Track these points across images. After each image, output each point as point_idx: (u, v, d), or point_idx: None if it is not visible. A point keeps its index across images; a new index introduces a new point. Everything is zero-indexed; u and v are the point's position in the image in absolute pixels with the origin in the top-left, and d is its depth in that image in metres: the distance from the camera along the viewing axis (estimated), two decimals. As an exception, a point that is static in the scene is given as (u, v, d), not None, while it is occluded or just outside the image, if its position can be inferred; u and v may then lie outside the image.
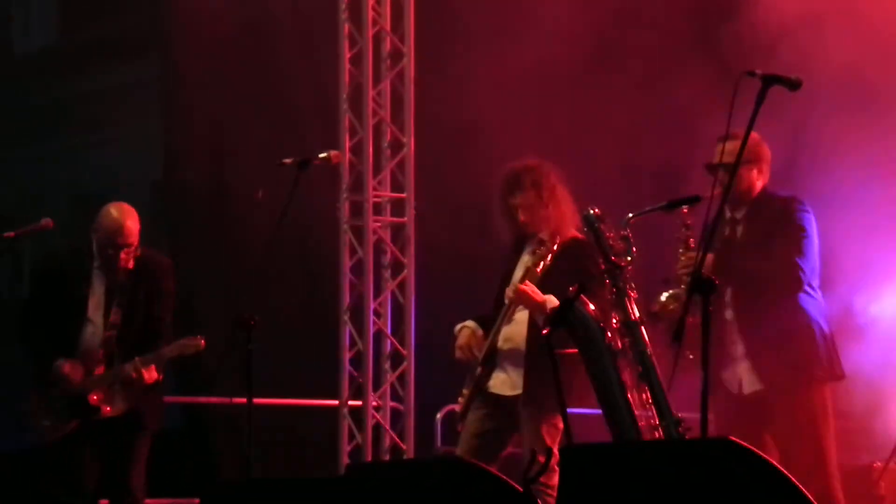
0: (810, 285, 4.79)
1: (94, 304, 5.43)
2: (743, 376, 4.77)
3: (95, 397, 5.36)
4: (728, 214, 4.84)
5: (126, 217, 5.38)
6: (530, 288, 4.94)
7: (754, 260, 4.75)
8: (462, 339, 5.13)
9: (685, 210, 4.67)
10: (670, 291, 4.75)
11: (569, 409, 4.19)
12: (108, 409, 5.36)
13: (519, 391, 4.99)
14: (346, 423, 6.97)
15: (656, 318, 4.66)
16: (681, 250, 4.76)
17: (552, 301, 4.89)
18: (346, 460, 6.89)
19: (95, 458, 5.41)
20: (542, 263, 4.97)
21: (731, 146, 4.65)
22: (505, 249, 5.23)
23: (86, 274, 5.42)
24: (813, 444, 4.69)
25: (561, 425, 4.80)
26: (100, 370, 5.39)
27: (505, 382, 5.04)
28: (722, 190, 4.48)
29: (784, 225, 4.78)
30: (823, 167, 5.92)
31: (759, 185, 4.88)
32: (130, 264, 5.40)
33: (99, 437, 5.40)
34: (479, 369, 5.08)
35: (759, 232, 4.80)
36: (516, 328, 5.06)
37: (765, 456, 3.13)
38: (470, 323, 5.17)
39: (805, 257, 4.76)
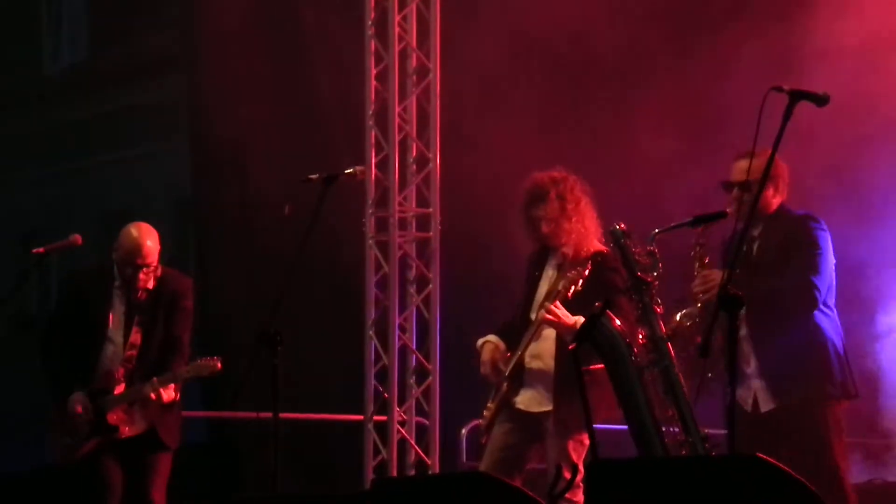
0: (825, 303, 4.77)
1: (115, 323, 5.46)
2: (758, 394, 4.75)
3: (115, 417, 5.39)
4: (746, 232, 4.83)
5: (146, 237, 5.41)
6: (561, 311, 4.94)
7: (769, 278, 4.73)
8: (486, 355, 5.13)
9: (699, 228, 4.67)
10: (684, 311, 4.73)
11: (595, 425, 4.19)
12: (127, 428, 5.39)
13: (547, 408, 4.99)
14: (372, 437, 6.98)
15: (671, 338, 4.64)
16: (697, 267, 4.74)
17: (580, 322, 4.89)
18: (371, 475, 6.89)
19: (117, 477, 5.44)
20: (573, 287, 4.95)
21: (745, 164, 4.67)
22: (527, 260, 5.23)
23: (107, 293, 5.46)
24: (827, 463, 4.66)
25: (587, 442, 4.79)
26: (119, 389, 5.42)
27: (533, 399, 5.04)
28: (736, 208, 4.48)
29: (799, 243, 4.76)
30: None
31: (775, 202, 4.86)
32: (151, 284, 5.42)
33: (119, 455, 5.43)
34: (504, 385, 5.08)
35: (774, 249, 4.79)
36: (544, 345, 5.05)
37: (792, 473, 3.12)
38: (492, 338, 5.16)
39: (820, 275, 4.74)
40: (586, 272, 4.93)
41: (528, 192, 5.13)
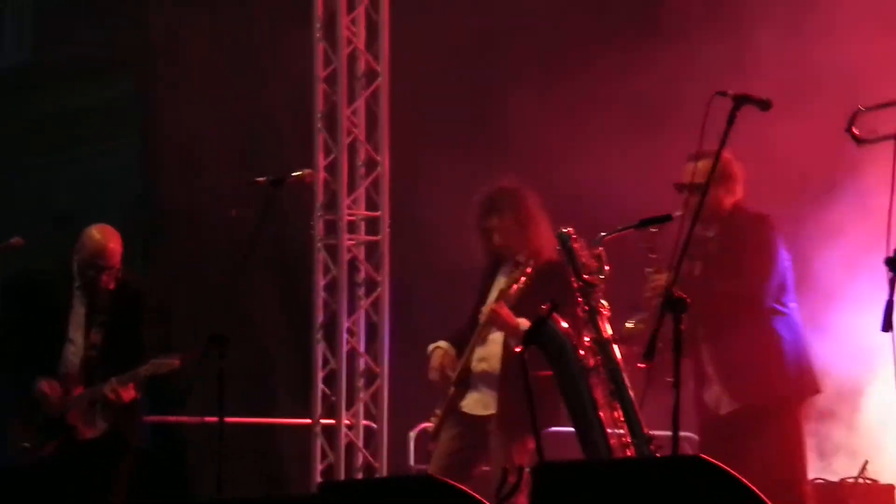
0: (780, 302, 4.81)
1: (75, 324, 5.44)
2: (718, 396, 4.79)
3: (74, 418, 5.34)
4: (699, 233, 4.87)
5: (109, 239, 5.40)
6: (504, 311, 4.95)
7: (721, 281, 4.77)
8: (435, 361, 5.14)
9: (653, 231, 4.70)
10: (638, 316, 4.77)
11: (541, 428, 4.20)
12: (88, 429, 5.35)
13: (491, 411, 5.00)
14: (319, 441, 6.95)
15: (625, 342, 4.66)
16: (647, 271, 4.78)
17: (525, 325, 4.91)
18: (318, 479, 6.87)
19: (77, 478, 5.38)
20: (515, 285, 4.98)
21: (700, 165, 4.70)
22: (480, 268, 5.24)
23: (66, 295, 5.42)
24: (788, 462, 4.71)
25: (531, 446, 4.81)
26: (79, 391, 5.38)
27: (478, 402, 5.05)
28: (687, 209, 4.52)
29: (751, 243, 4.80)
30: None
31: (728, 203, 4.89)
32: (112, 285, 5.40)
33: (80, 457, 5.39)
34: (452, 389, 5.09)
35: (728, 250, 4.82)
36: (491, 349, 5.06)
37: (734, 473, 3.14)
38: (442, 343, 5.17)
39: (768, 278, 4.79)
40: (528, 269, 4.95)
41: (480, 205, 5.14)
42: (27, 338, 5.45)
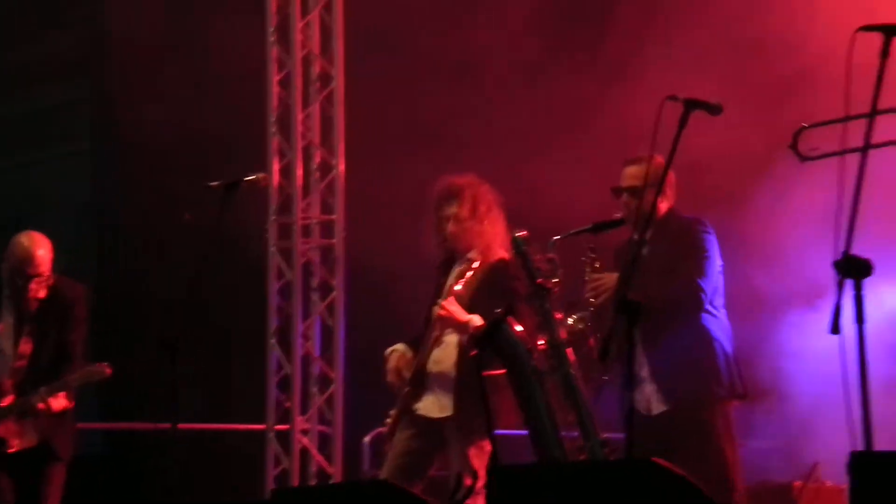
0: (712, 304, 4.85)
1: (5, 334, 5.37)
2: (650, 397, 4.82)
3: (3, 429, 5.28)
4: (636, 236, 4.91)
5: (37, 246, 5.31)
6: (454, 307, 4.96)
7: (658, 282, 4.80)
8: (392, 363, 5.13)
9: (594, 231, 4.73)
10: (577, 315, 4.79)
11: (496, 431, 4.20)
12: (17, 441, 5.28)
13: (447, 413, 5.00)
14: (273, 447, 6.92)
15: (566, 342, 4.68)
16: (588, 272, 4.80)
17: (475, 321, 4.92)
18: (272, 485, 6.83)
19: (8, 493, 5.32)
20: (461, 281, 4.98)
21: (634, 170, 4.75)
22: (434, 269, 5.24)
23: None
24: (718, 463, 4.74)
25: (488, 448, 4.80)
26: (8, 401, 5.31)
27: (434, 404, 5.04)
28: (626, 213, 4.54)
29: (687, 247, 4.83)
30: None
31: (663, 207, 4.92)
32: (42, 293, 5.33)
33: (11, 469, 5.32)
34: (406, 389, 5.08)
35: (663, 253, 4.86)
36: (446, 351, 5.06)
37: (686, 475, 3.16)
38: (400, 346, 5.16)
39: (706, 278, 4.81)
40: (475, 265, 4.96)
41: (439, 192, 5.13)
42: None
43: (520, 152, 6.76)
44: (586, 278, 4.77)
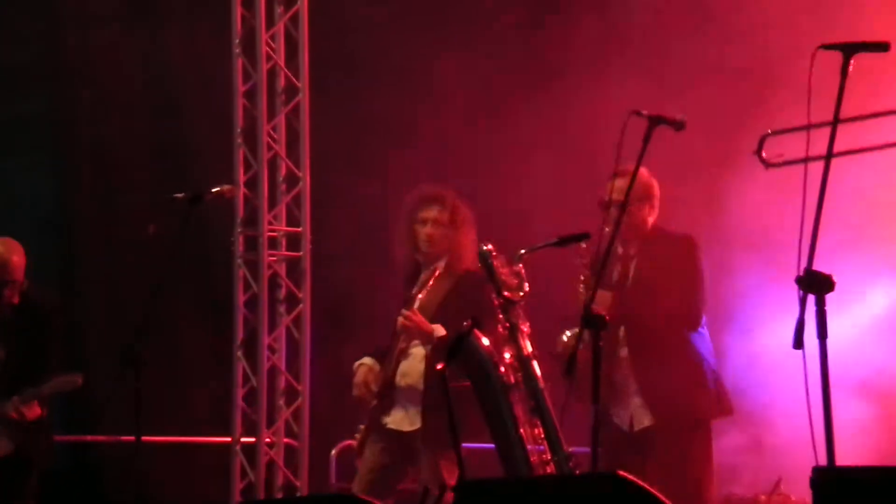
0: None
1: None
2: (634, 413, 4.83)
3: None
4: (620, 251, 4.92)
5: (11, 252, 5.30)
6: (417, 317, 4.96)
7: (653, 299, 4.82)
8: (359, 377, 5.12)
9: (584, 246, 4.74)
10: (573, 331, 4.79)
11: (463, 444, 4.20)
12: None
13: (417, 426, 4.99)
14: (239, 460, 6.89)
15: (560, 357, 4.67)
16: (581, 288, 4.81)
17: (439, 330, 4.92)
18: (238, 498, 6.80)
19: None
20: (423, 290, 4.99)
21: (622, 183, 4.75)
22: (401, 281, 5.24)
23: None
24: (694, 480, 4.76)
25: None
26: None
27: (404, 418, 5.04)
28: (614, 227, 4.56)
29: (684, 265, 4.85)
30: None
31: (650, 220, 4.96)
32: (16, 300, 5.29)
33: None
34: (374, 402, 5.08)
35: (653, 268, 4.88)
36: (412, 363, 5.06)
37: (651, 490, 3.18)
38: (367, 360, 5.16)
39: (704, 299, 4.87)
40: (437, 272, 4.96)
41: (419, 197, 5.14)
42: None
43: (483, 167, 6.78)
44: (579, 292, 4.78)
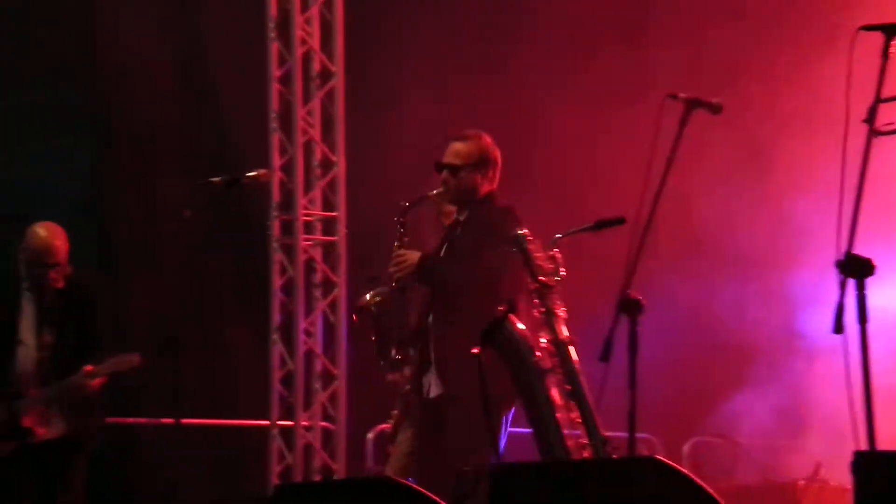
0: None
1: (26, 326, 5.38)
2: (431, 380, 4.81)
3: (29, 420, 5.29)
4: (456, 216, 4.89)
5: (54, 236, 5.35)
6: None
7: (459, 266, 4.77)
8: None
9: (406, 205, 4.74)
10: (376, 290, 4.79)
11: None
12: (44, 431, 5.30)
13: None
14: (276, 443, 6.93)
15: (361, 312, 4.68)
16: (395, 246, 4.79)
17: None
18: (275, 481, 6.85)
19: (31, 484, 5.34)
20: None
21: (460, 147, 4.76)
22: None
23: (14, 297, 5.37)
24: (472, 450, 4.67)
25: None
26: (34, 392, 5.33)
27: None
28: (444, 190, 4.51)
29: (492, 234, 4.76)
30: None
31: (483, 188, 4.87)
32: (60, 284, 5.35)
33: (36, 459, 5.33)
34: (407, 387, 5.09)
35: (469, 237, 4.81)
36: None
37: (689, 474, 3.17)
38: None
39: (507, 269, 4.75)
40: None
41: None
42: None
43: (524, 147, 6.75)
44: (393, 253, 4.77)
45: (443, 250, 4.88)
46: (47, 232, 5.35)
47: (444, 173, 4.82)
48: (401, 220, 4.77)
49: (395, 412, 5.13)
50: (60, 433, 5.32)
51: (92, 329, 5.37)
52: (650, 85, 5.59)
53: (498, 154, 4.90)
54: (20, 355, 5.37)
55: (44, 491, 5.36)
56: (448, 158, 4.82)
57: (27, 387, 5.34)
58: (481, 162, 4.83)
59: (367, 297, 4.78)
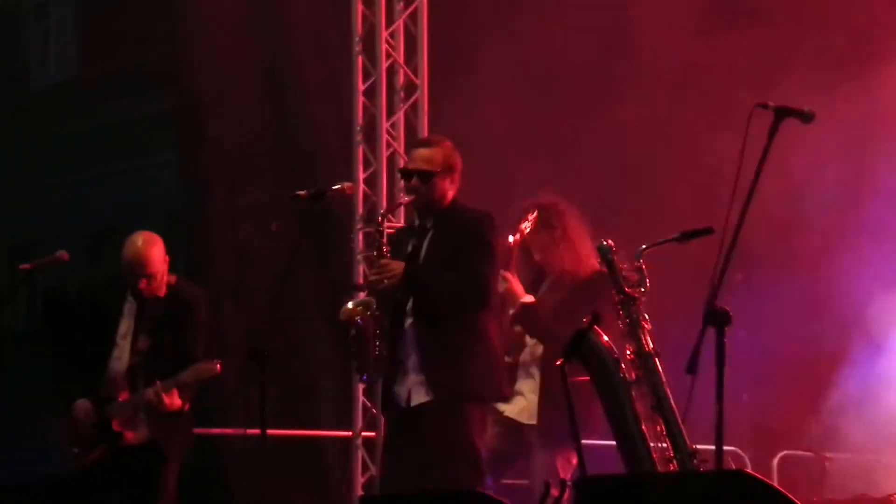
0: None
1: (123, 330, 5.46)
2: (412, 388, 4.74)
3: (118, 423, 5.37)
4: (418, 223, 4.86)
5: (147, 246, 5.41)
6: (513, 280, 4.94)
7: (442, 273, 4.71)
8: None
9: (380, 217, 4.75)
10: (358, 299, 4.75)
11: (583, 440, 4.18)
12: (131, 434, 5.36)
13: (534, 422, 4.98)
14: (360, 453, 6.97)
15: (343, 325, 4.63)
16: (375, 255, 4.75)
17: (528, 298, 4.92)
18: (360, 492, 6.87)
19: (122, 484, 5.41)
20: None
21: (428, 153, 4.73)
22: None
23: (118, 302, 5.46)
24: (460, 461, 4.65)
25: (575, 460, 4.80)
26: (124, 396, 5.40)
27: (523, 410, 5.05)
28: (414, 197, 4.55)
29: (475, 241, 4.74)
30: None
31: (450, 195, 4.84)
32: (162, 292, 5.42)
33: (124, 462, 5.41)
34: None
35: (446, 244, 4.77)
36: (531, 352, 5.07)
37: (779, 488, 3.12)
38: None
39: (494, 275, 4.75)
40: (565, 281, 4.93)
41: (521, 209, 5.13)
42: (80, 346, 5.47)
43: (608, 164, 6.73)
44: (375, 263, 4.73)
45: (421, 257, 4.85)
46: (141, 242, 5.42)
47: (414, 180, 4.81)
48: (381, 228, 4.76)
49: None
50: (144, 439, 5.38)
51: (188, 341, 5.42)
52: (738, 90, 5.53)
53: (459, 159, 4.91)
54: (115, 359, 5.44)
55: (133, 495, 5.42)
56: (417, 165, 4.82)
57: (119, 391, 5.40)
58: (448, 168, 4.84)
59: (349, 305, 4.75)
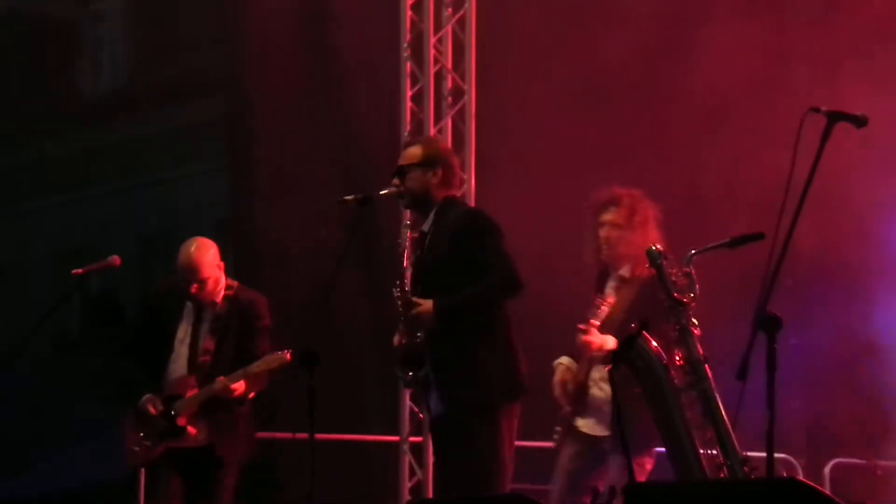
0: None
1: (182, 335, 5.49)
2: (433, 400, 4.74)
3: (184, 419, 5.39)
4: (410, 222, 4.85)
5: (198, 252, 5.45)
6: (593, 336, 4.96)
7: (464, 290, 4.66)
8: (557, 376, 5.14)
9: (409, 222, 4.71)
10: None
11: (654, 448, 4.16)
12: (195, 432, 5.37)
13: (608, 433, 4.99)
14: (407, 458, 6.97)
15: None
16: (399, 309, 4.76)
17: (610, 342, 4.90)
18: (406, 497, 6.88)
19: (177, 491, 5.44)
20: (606, 301, 4.97)
21: (408, 149, 4.79)
22: (593, 286, 5.21)
23: (179, 305, 5.50)
24: (481, 471, 4.60)
25: (649, 466, 4.82)
26: (192, 393, 5.41)
27: (596, 425, 5.06)
28: (405, 190, 4.56)
29: (475, 233, 4.72)
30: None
31: (439, 191, 4.81)
32: (217, 297, 5.45)
33: (182, 466, 5.43)
34: (568, 409, 5.10)
35: (446, 244, 4.75)
36: (604, 372, 5.06)
37: (830, 494, 3.09)
38: (564, 359, 5.16)
39: (512, 259, 4.71)
40: (618, 282, 4.93)
41: (598, 200, 5.12)
42: (146, 347, 5.52)
43: (659, 162, 6.69)
44: (402, 320, 4.72)
45: (426, 265, 4.86)
46: (193, 247, 5.46)
47: (395, 179, 4.86)
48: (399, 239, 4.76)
49: (559, 429, 5.14)
50: (205, 440, 5.41)
51: (251, 346, 5.44)
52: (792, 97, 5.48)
53: (452, 158, 4.91)
54: (178, 361, 5.46)
55: (193, 494, 5.43)
56: (399, 161, 4.88)
57: (185, 389, 5.43)
58: (428, 161, 4.83)
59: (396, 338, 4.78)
